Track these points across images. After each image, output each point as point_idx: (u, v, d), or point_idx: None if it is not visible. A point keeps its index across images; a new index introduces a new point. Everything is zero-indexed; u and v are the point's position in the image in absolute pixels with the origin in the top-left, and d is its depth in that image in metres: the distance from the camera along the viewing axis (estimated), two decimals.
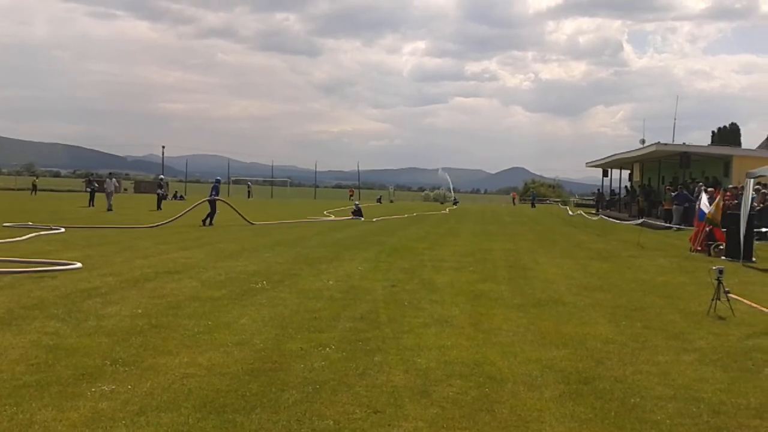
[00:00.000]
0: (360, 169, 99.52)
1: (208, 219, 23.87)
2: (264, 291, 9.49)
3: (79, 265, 11.32)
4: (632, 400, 5.01)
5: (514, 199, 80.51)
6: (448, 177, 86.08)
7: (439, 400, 4.89)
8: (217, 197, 25.35)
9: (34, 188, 62.17)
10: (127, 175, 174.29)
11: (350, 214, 33.26)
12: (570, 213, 50.16)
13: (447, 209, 52.98)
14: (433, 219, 35.45)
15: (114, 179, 37.73)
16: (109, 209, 32.33)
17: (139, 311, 7.73)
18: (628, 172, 48.64)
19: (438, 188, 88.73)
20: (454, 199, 70.87)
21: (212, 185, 26.36)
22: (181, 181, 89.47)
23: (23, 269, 10.85)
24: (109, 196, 34.07)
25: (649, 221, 28.10)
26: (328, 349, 6.24)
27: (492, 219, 37.06)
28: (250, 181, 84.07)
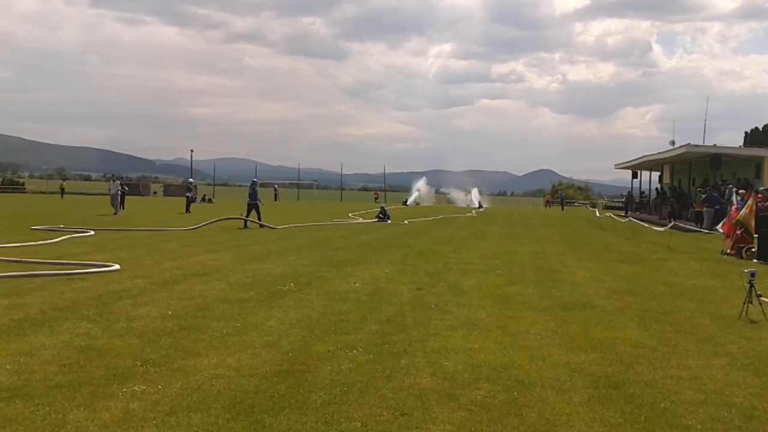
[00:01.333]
0: (386, 171, 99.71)
1: (258, 220, 25.06)
2: (291, 293, 9.55)
3: (116, 266, 11.50)
4: (662, 405, 4.95)
5: (548, 202, 78.58)
6: (420, 189, 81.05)
7: (467, 403, 4.88)
8: (258, 200, 26.18)
9: (62, 191, 63.25)
10: (156, 178, 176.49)
11: (375, 217, 33.28)
12: (597, 215, 49.66)
13: (474, 212, 52.77)
14: (460, 222, 35.35)
15: (119, 182, 34.05)
16: (116, 213, 30.82)
17: (169, 313, 7.83)
18: (658, 173, 48.05)
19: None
20: (479, 204, 70.41)
21: (250, 189, 26.90)
22: (209, 184, 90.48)
23: (61, 271, 11.02)
24: (113, 199, 32.14)
25: (680, 224, 27.72)
26: (354, 351, 6.26)
27: (519, 221, 36.85)
28: (276, 184, 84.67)
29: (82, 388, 4.98)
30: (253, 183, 27.65)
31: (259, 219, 25.22)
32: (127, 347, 6.22)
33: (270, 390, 5.05)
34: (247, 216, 25.01)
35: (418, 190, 79.48)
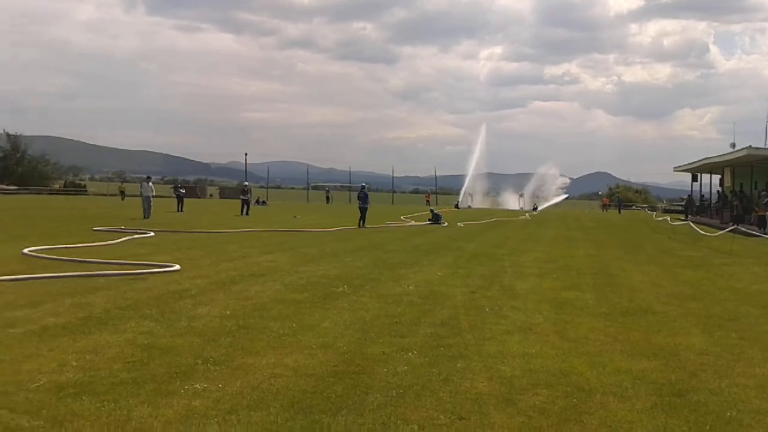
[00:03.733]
0: (437, 174, 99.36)
1: (362, 221, 26.85)
2: (345, 295, 9.60)
3: (177, 267, 11.77)
4: (728, 414, 4.79)
5: (605, 205, 76.74)
6: (471, 192, 78.82)
7: (525, 408, 4.81)
8: (367, 202, 27.78)
9: (122, 194, 65.18)
10: (212, 181, 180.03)
11: (427, 220, 33.17)
12: (655, 218, 48.45)
13: (527, 215, 52.13)
14: (513, 225, 34.98)
15: (151, 183, 30.19)
16: (146, 216, 28.33)
17: (227, 312, 7.97)
18: (719, 177, 46.63)
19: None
20: (534, 206, 69.45)
21: (360, 193, 28.43)
22: (263, 186, 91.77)
23: (124, 272, 11.34)
24: (145, 201, 29.13)
25: (742, 228, 26.82)
26: (410, 354, 6.26)
27: (574, 225, 36.24)
28: (328, 186, 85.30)
29: (145, 385, 5.11)
30: (363, 187, 28.88)
31: (363, 219, 27.12)
32: (189, 346, 6.35)
33: (327, 390, 5.09)
34: (362, 218, 26.99)
35: (470, 194, 78.88)
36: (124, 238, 18.01)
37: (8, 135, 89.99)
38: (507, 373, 5.71)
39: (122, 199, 60.92)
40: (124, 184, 73.33)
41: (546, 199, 76.85)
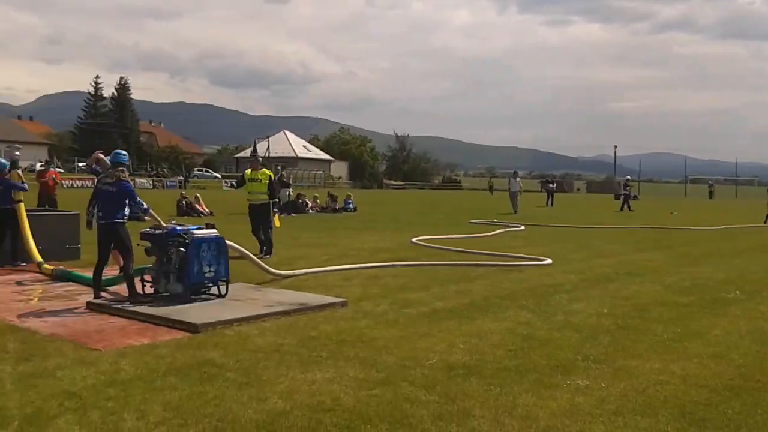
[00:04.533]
0: None
1: None
2: (738, 302, 8.61)
3: (549, 261, 11.94)
4: None
5: None
6: None
7: None
8: None
9: (491, 189, 68.26)
10: (579, 175, 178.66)
11: None
12: None
13: None
14: None
15: (518, 179, 30.84)
16: (515, 212, 28.16)
17: (605, 311, 7.76)
18: None
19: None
20: None
21: None
22: (634, 180, 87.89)
23: (500, 262, 11.89)
24: (513, 197, 29.44)
25: None
26: None
27: None
28: (710, 180, 77.86)
29: (528, 374, 5.24)
30: None
31: None
32: (567, 340, 6.35)
33: (722, 405, 4.61)
34: None
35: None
36: (497, 231, 18.85)
37: (397, 136, 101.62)
38: None
39: (491, 194, 63.78)
40: (493, 179, 76.92)
41: None
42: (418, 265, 11.31)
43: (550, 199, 37.91)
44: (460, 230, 18.84)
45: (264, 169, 12.56)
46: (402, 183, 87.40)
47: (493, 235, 17.93)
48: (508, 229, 19.60)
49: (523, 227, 20.43)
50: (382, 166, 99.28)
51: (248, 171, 12.51)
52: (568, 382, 5.05)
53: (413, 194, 62.11)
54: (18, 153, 11.58)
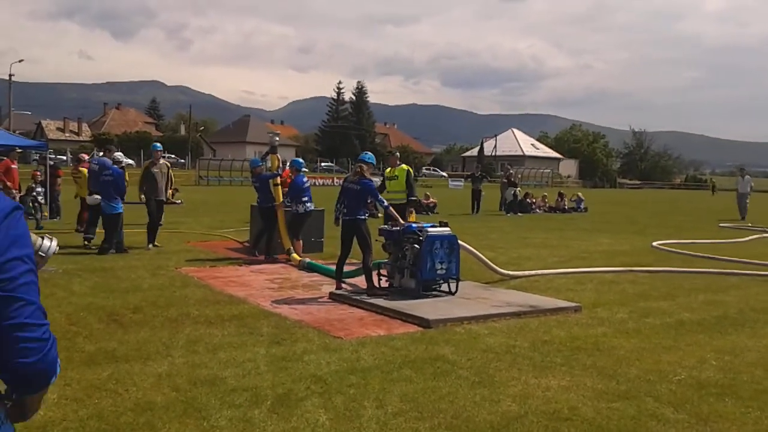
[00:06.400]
0: None
1: None
2: None
3: None
4: None
5: None
6: None
7: None
8: None
9: (713, 188, 61.10)
10: None
11: None
12: None
13: None
14: None
15: (748, 177, 25.22)
16: (742, 217, 23.80)
17: None
18: None
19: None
20: None
21: None
22: None
23: (758, 272, 10.68)
24: (741, 199, 24.60)
25: None
26: None
27: None
28: None
29: None
30: None
31: None
32: None
33: None
34: None
35: None
36: (752, 236, 16.94)
37: (633, 132, 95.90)
38: None
39: (712, 194, 56.78)
40: (714, 179, 68.83)
41: None
42: (661, 272, 10.50)
43: None
44: (709, 234, 17.25)
45: (402, 165, 11.31)
46: (638, 182, 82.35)
47: (747, 240, 16.15)
48: (765, 235, 17.51)
49: None
50: (616, 164, 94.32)
51: (388, 169, 11.37)
52: None
53: (652, 194, 58.20)
54: (277, 138, 12.20)
